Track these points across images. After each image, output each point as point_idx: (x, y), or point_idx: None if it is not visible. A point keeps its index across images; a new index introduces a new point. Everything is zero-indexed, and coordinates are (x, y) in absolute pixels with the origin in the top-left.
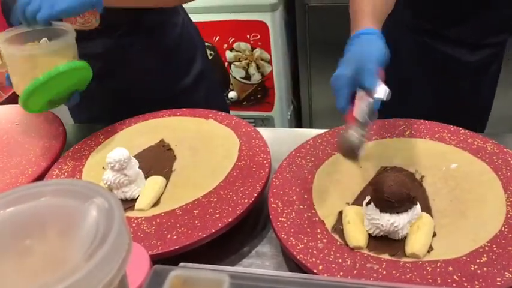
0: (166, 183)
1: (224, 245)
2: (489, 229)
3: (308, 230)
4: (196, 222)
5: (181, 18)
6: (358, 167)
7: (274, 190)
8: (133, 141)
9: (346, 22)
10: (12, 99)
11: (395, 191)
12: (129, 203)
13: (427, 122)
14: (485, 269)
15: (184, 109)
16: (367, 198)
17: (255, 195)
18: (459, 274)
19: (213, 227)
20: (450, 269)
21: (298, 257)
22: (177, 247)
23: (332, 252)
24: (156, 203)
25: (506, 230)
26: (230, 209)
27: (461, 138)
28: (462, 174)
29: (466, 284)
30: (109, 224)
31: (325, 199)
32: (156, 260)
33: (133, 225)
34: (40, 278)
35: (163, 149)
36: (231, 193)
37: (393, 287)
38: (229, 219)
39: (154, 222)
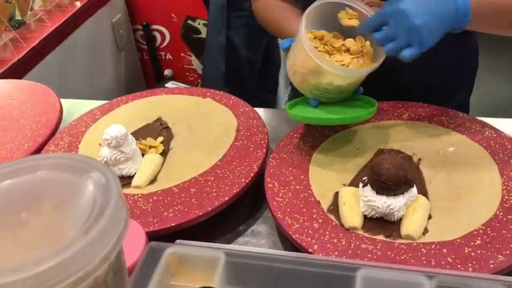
0: (163, 161)
1: (220, 224)
2: (484, 212)
3: (304, 210)
4: (193, 200)
5: None
6: (356, 149)
7: (271, 170)
8: (131, 118)
9: None
10: (8, 74)
11: (392, 174)
12: (125, 180)
13: (425, 105)
14: (479, 251)
15: (181, 88)
16: (364, 180)
17: (252, 174)
18: (453, 256)
19: (209, 205)
20: (444, 251)
21: (293, 237)
22: (173, 224)
23: (327, 233)
24: (152, 181)
25: (501, 213)
26: (227, 188)
27: (459, 122)
28: (459, 157)
29: (459, 266)
30: (106, 198)
31: (322, 180)
32: (152, 237)
33: (130, 202)
34: (36, 251)
35: (160, 126)
36: (228, 172)
37: (387, 267)
38: (226, 198)
39: (150, 200)
